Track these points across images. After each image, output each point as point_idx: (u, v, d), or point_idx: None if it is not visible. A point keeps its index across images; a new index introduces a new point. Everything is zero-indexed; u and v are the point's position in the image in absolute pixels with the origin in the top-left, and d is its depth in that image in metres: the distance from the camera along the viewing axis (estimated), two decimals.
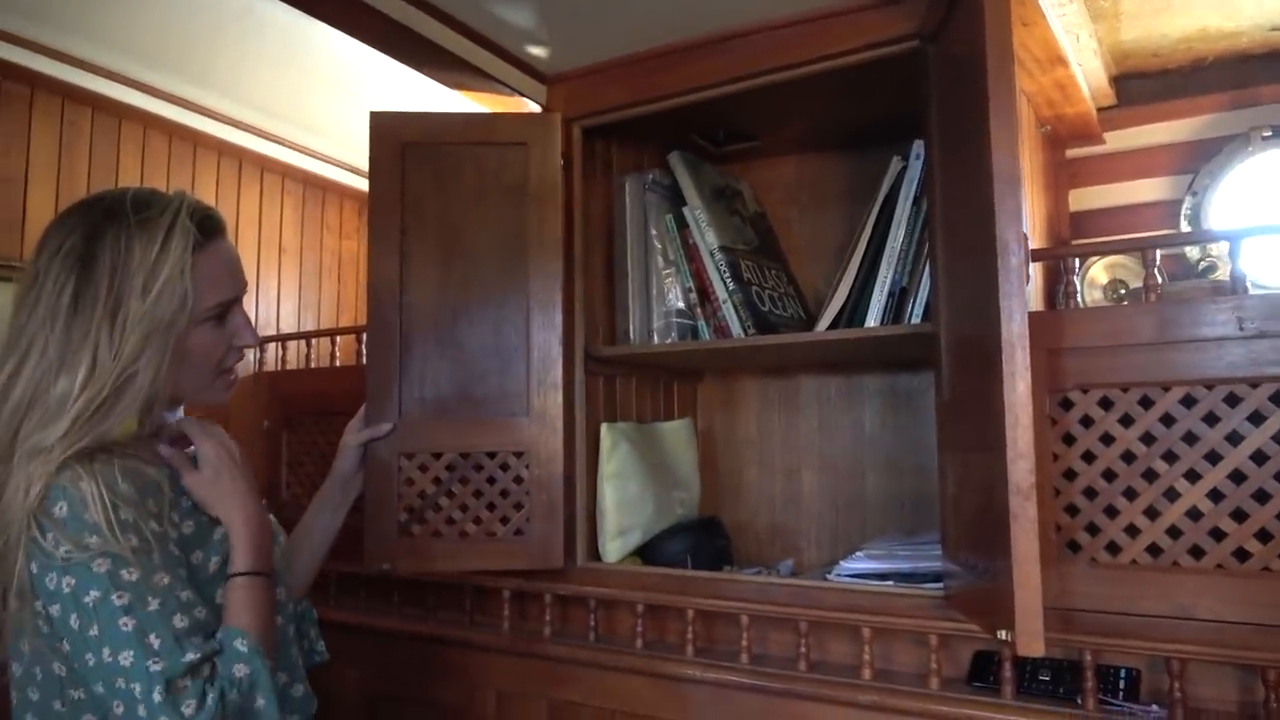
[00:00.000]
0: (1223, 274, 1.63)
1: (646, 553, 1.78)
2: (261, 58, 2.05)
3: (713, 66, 1.58)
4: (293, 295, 2.47)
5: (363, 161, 2.55)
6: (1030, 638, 0.97)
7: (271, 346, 2.35)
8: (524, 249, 1.68)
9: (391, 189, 1.66)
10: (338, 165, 2.55)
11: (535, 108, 1.78)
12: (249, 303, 2.39)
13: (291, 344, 2.23)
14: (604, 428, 1.76)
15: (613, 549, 1.71)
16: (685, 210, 1.79)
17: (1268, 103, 1.67)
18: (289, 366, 2.24)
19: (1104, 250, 1.74)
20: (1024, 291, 1.01)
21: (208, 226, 1.02)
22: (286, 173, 2.44)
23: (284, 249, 2.46)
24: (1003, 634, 1.00)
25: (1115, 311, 1.35)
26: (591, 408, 1.75)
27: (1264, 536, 1.13)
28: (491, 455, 1.63)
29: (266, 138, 2.30)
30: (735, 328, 1.71)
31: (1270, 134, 1.64)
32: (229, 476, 1.03)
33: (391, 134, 1.68)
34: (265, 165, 2.38)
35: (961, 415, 1.22)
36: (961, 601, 1.23)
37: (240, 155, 2.31)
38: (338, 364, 2.15)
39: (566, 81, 1.75)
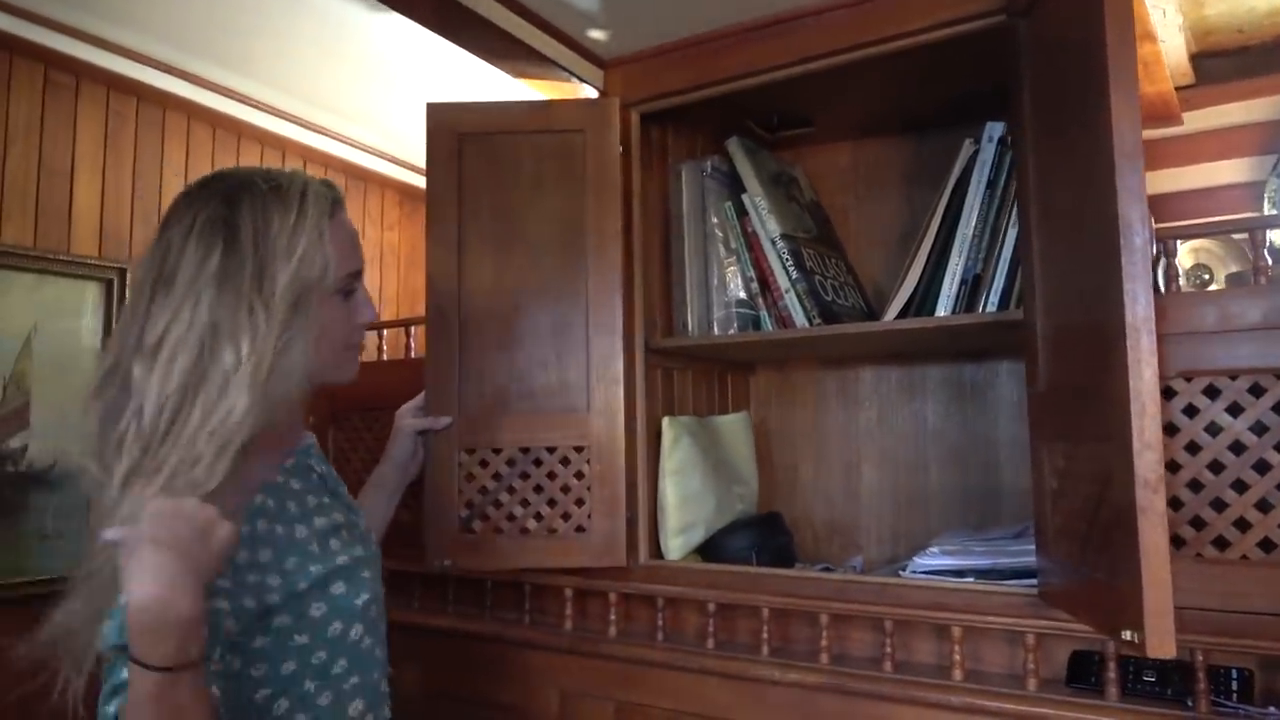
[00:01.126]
0: None
1: (708, 550, 1.74)
2: (302, 46, 2.01)
3: (782, 47, 1.53)
4: None
5: (404, 151, 2.55)
6: (1162, 638, 0.92)
7: None
8: (582, 238, 1.64)
9: (448, 181, 1.63)
10: (379, 155, 2.51)
11: (590, 93, 1.73)
12: None
13: None
14: (665, 421, 1.71)
15: (675, 546, 1.66)
16: (745, 197, 1.74)
17: None
18: None
19: (1213, 231, 1.68)
20: (1149, 273, 0.95)
21: (334, 199, 1.02)
22: (327, 163, 2.41)
23: None
24: (1128, 634, 0.95)
25: (1222, 295, 1.29)
26: (651, 401, 1.70)
27: None
28: (552, 450, 1.59)
29: (308, 127, 2.27)
30: (799, 318, 1.66)
31: None
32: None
33: (448, 126, 1.64)
34: (307, 155, 2.35)
35: (1064, 405, 1.17)
36: (1063, 599, 1.18)
37: (283, 145, 2.28)
38: (384, 358, 2.11)
39: (624, 65, 1.71)
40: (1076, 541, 1.12)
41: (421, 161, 2.53)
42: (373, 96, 2.22)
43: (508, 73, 1.70)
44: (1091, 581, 1.07)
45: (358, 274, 1.04)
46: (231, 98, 2.08)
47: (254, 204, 0.93)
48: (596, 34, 1.63)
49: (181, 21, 1.86)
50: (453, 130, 1.64)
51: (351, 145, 2.42)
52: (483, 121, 1.66)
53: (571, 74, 1.67)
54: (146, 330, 0.88)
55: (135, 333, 0.89)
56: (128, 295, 0.98)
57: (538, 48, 1.61)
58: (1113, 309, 0.97)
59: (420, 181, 1.95)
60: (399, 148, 2.51)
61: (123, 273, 1.94)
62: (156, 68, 1.93)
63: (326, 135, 2.34)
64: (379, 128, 2.38)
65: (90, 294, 1.89)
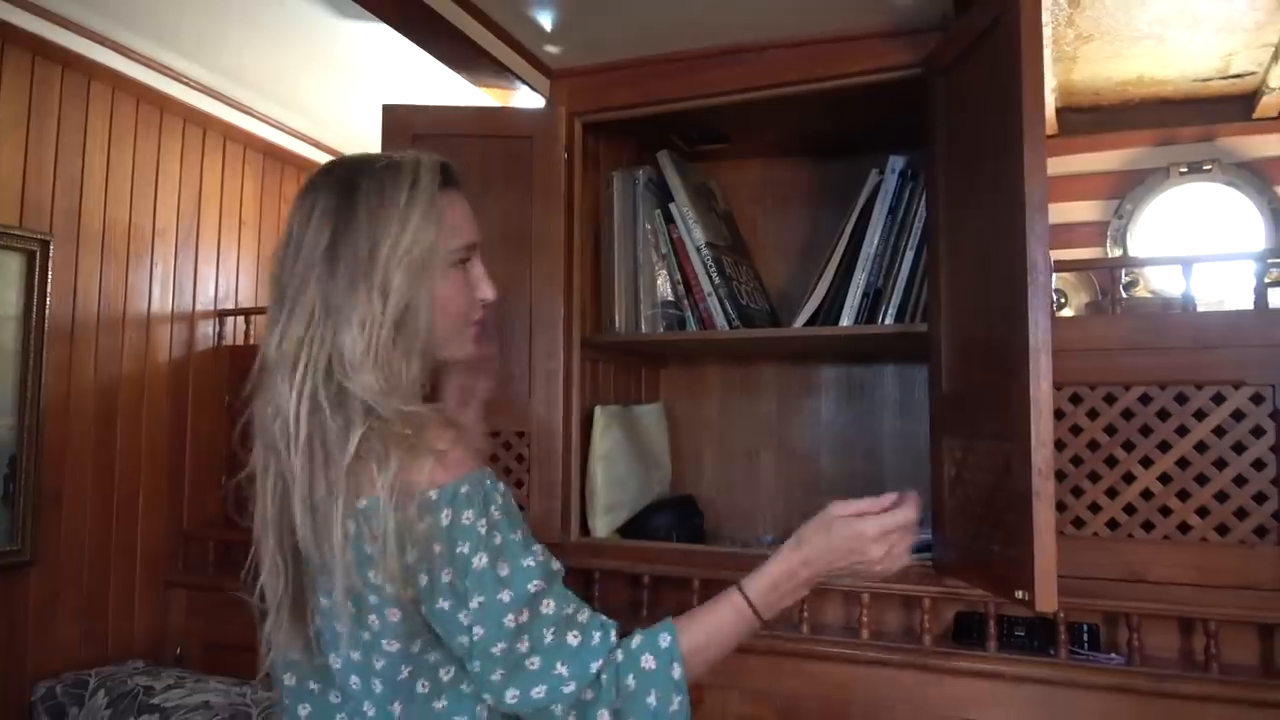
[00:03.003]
0: (1142, 290, 1.88)
1: (630, 529, 1.89)
2: (229, 22, 2.00)
3: (722, 76, 1.69)
4: (251, 269, 2.42)
5: (327, 136, 2.55)
6: (1048, 595, 1.14)
7: (231, 320, 2.31)
8: (527, 239, 1.75)
9: None
10: (301, 138, 2.50)
11: (536, 99, 1.84)
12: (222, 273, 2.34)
13: (256, 318, 2.20)
14: (597, 410, 1.85)
15: (602, 525, 1.81)
16: (673, 207, 1.89)
17: (1185, 142, 1.94)
18: (252, 341, 2.21)
19: (1082, 267, 1.97)
20: (1049, 304, 1.18)
21: (448, 173, 1.02)
22: (248, 143, 2.38)
23: (244, 221, 2.40)
24: (1021, 594, 1.17)
25: (1088, 321, 1.56)
26: (583, 391, 1.83)
27: (1202, 512, 1.37)
28: (495, 435, 1.70)
29: (231, 104, 2.24)
30: (720, 319, 1.83)
31: (1186, 170, 1.91)
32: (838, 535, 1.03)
33: (402, 126, 1.72)
34: (228, 134, 2.32)
35: (966, 407, 1.40)
36: (957, 569, 1.41)
37: (205, 122, 2.25)
38: None
39: (572, 78, 1.82)
40: (973, 521, 1.35)
41: (343, 146, 2.56)
42: (298, 76, 2.22)
43: (459, 73, 1.78)
44: (987, 553, 1.29)
45: (473, 246, 1.05)
46: (158, 70, 2.04)
47: (368, 184, 0.95)
48: (550, 48, 1.74)
49: None
50: (406, 130, 1.72)
51: (272, 125, 2.40)
52: (436, 123, 1.74)
53: (523, 81, 1.77)
54: (278, 332, 0.93)
55: (275, 334, 0.94)
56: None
57: (492, 51, 1.69)
58: (1018, 330, 1.19)
59: None
60: (320, 131, 2.51)
61: (45, 244, 1.88)
62: (84, 35, 1.88)
63: (248, 114, 2.31)
64: (302, 109, 2.38)
65: (13, 264, 1.84)
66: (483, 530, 0.90)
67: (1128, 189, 1.99)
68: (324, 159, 2.55)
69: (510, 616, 0.89)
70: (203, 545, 2.24)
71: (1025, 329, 1.18)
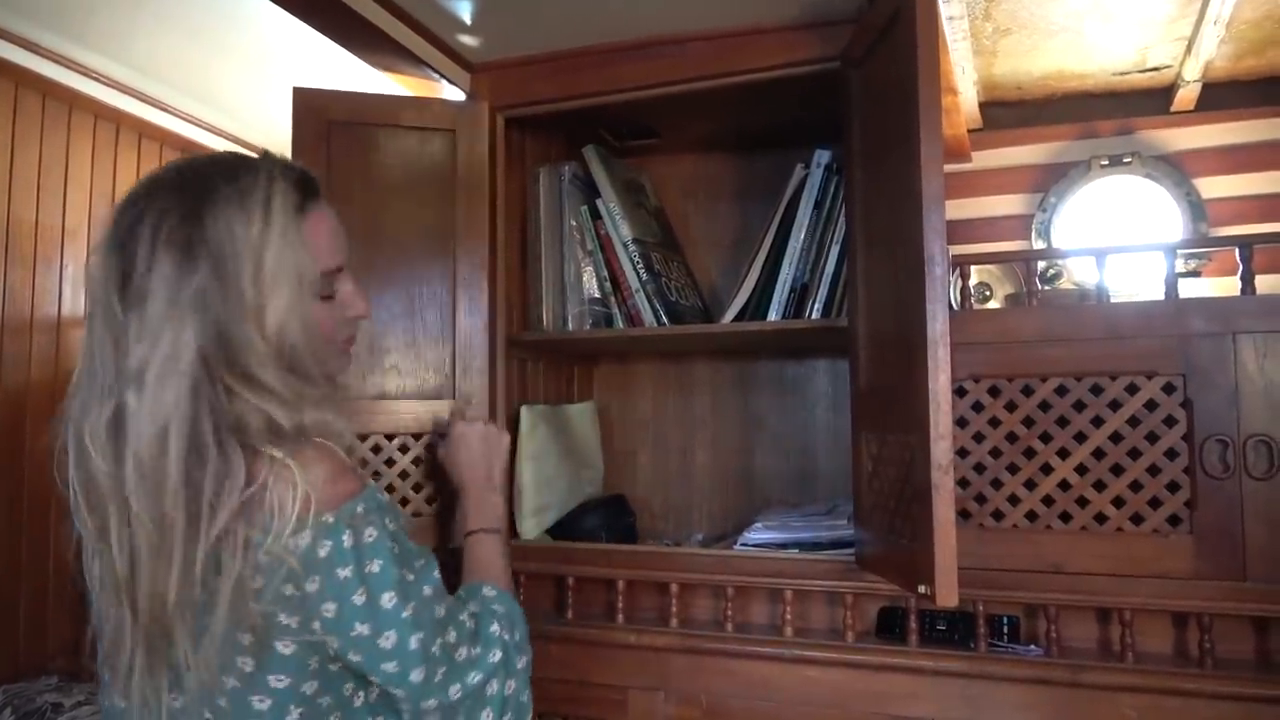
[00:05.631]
0: (1066, 282, 1.90)
1: (560, 529, 1.86)
2: (141, 15, 1.94)
3: (643, 69, 1.67)
4: None
5: (247, 132, 2.49)
6: (949, 590, 1.14)
7: None
8: (450, 236, 1.71)
9: (317, 169, 1.62)
10: (218, 134, 2.43)
11: (455, 94, 1.80)
12: None
13: None
14: (524, 410, 1.82)
15: (530, 526, 1.78)
16: (599, 203, 1.86)
17: (1105, 135, 1.96)
18: None
19: (996, 259, 1.98)
20: (946, 297, 1.17)
21: (306, 189, 0.96)
22: (165, 140, 2.31)
23: None
24: (923, 589, 1.17)
25: (1004, 313, 1.57)
26: (509, 390, 1.80)
27: (1119, 503, 1.37)
28: (418, 436, 1.66)
29: (146, 101, 2.17)
30: (648, 316, 1.81)
31: (1107, 163, 1.92)
32: (465, 448, 1.35)
33: (317, 111, 1.66)
34: (143, 130, 2.24)
35: (879, 400, 1.39)
36: (875, 564, 1.40)
37: (118, 119, 2.17)
38: None
39: (491, 71, 1.79)
40: (886, 515, 1.34)
41: (261, 140, 2.50)
42: (214, 70, 2.16)
43: (374, 66, 1.73)
44: (898, 547, 1.29)
45: (337, 270, 0.99)
46: (66, 65, 1.97)
47: (216, 212, 0.87)
48: (467, 39, 1.70)
49: None
50: (322, 116, 1.66)
51: (189, 121, 2.34)
52: (355, 111, 1.68)
53: (441, 75, 1.73)
54: (127, 356, 0.84)
55: (112, 355, 0.85)
56: (87, 304, 0.87)
57: (408, 45, 1.65)
58: (917, 324, 1.18)
59: None
60: (239, 127, 2.45)
61: None
62: None
63: (164, 110, 2.25)
64: (219, 104, 2.32)
65: None
66: (389, 543, 0.89)
67: (1051, 182, 2.01)
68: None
69: (440, 609, 0.94)
70: None
71: (923, 322, 1.17)
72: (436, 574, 0.97)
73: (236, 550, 0.82)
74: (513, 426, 1.79)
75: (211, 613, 0.82)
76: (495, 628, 1.03)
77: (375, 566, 0.87)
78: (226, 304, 0.86)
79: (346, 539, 0.85)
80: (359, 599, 0.86)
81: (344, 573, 0.85)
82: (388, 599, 0.87)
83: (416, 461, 1.64)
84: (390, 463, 1.63)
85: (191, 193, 0.88)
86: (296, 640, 0.85)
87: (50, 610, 2.09)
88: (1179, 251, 1.48)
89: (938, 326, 1.18)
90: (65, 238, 2.10)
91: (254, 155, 0.96)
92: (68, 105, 2.06)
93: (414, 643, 0.89)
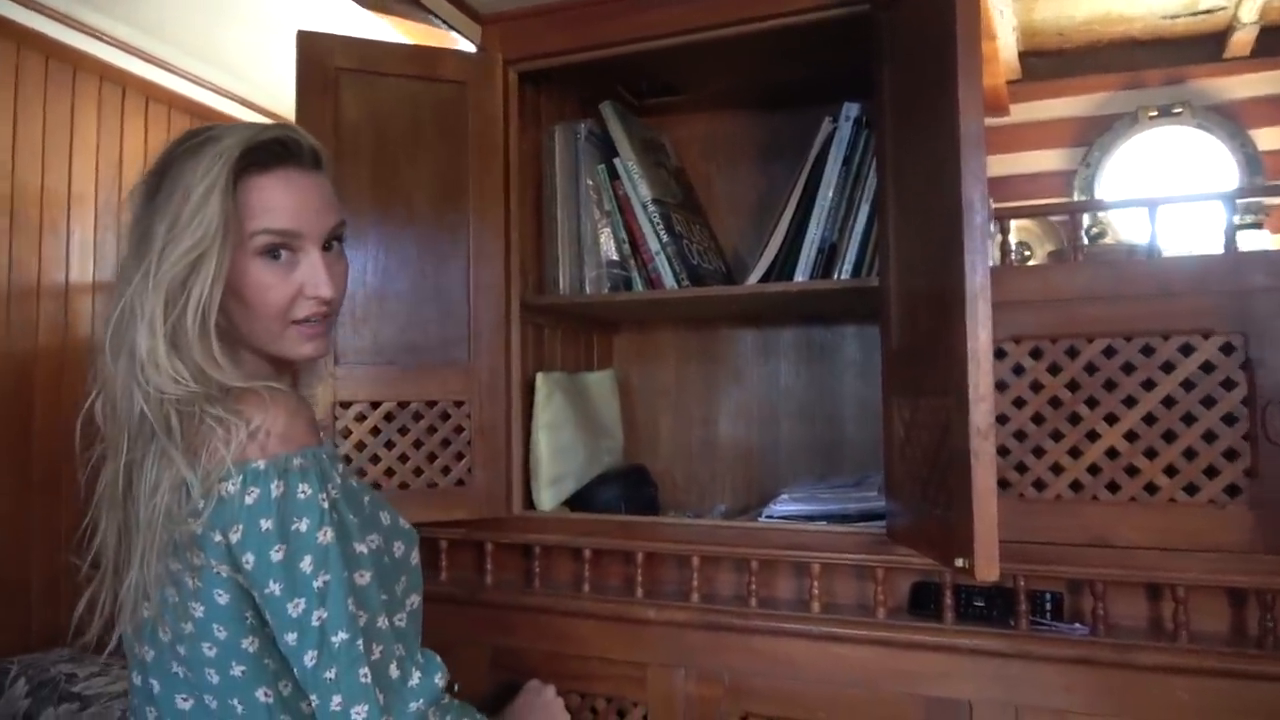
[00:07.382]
0: (1110, 239, 1.79)
1: (578, 501, 1.80)
2: None
3: (663, 16, 1.58)
4: None
5: (254, 94, 2.43)
6: (988, 563, 1.06)
7: None
8: (463, 195, 1.65)
9: (323, 119, 1.57)
10: (227, 95, 2.37)
11: (467, 46, 1.73)
12: None
13: None
14: (539, 377, 1.76)
15: (547, 497, 1.72)
16: (617, 161, 1.79)
17: (1154, 85, 1.84)
18: None
19: (1039, 211, 1.88)
20: (986, 248, 1.08)
21: (273, 149, 0.92)
22: (172, 102, 2.25)
23: None
24: (960, 562, 1.09)
25: (1047, 269, 1.47)
26: (524, 357, 1.74)
27: (1170, 472, 1.28)
28: (432, 404, 1.61)
29: (153, 62, 2.11)
30: (669, 279, 1.73)
31: (1156, 114, 1.81)
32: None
33: (323, 57, 1.58)
34: (150, 93, 2.19)
35: (912, 363, 1.31)
36: (908, 536, 1.32)
37: (124, 80, 2.11)
38: None
39: (503, 22, 1.71)
40: (919, 484, 1.26)
41: (268, 103, 2.44)
42: (221, 31, 2.10)
43: (381, 14, 1.66)
44: (932, 518, 1.21)
45: (282, 234, 0.91)
46: (69, 25, 1.91)
47: (178, 165, 0.89)
48: None
49: None
50: (328, 62, 1.58)
51: (198, 83, 2.28)
52: (363, 58, 1.61)
53: (450, 26, 1.66)
54: (111, 319, 0.90)
55: (110, 320, 0.91)
56: None
57: None
58: (955, 278, 1.10)
59: None
60: (247, 89, 2.38)
61: None
62: None
63: (171, 71, 2.19)
64: (226, 65, 2.26)
65: None
66: (323, 506, 0.83)
67: (1095, 136, 1.89)
68: (253, 117, 2.45)
69: (364, 615, 0.84)
70: None
71: (961, 274, 1.08)
72: (391, 566, 0.93)
73: (162, 486, 0.83)
74: (528, 395, 1.73)
75: (151, 545, 0.84)
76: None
77: (302, 525, 0.82)
78: (152, 254, 0.87)
79: (275, 488, 0.82)
80: (276, 555, 0.81)
81: (266, 524, 0.81)
82: (307, 563, 0.81)
83: (459, 429, 1.61)
84: (432, 430, 1.59)
85: (171, 146, 0.92)
86: (229, 592, 0.84)
87: (62, 578, 2.07)
88: (1238, 202, 1.37)
89: (977, 279, 1.09)
90: (72, 203, 2.05)
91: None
92: (72, 66, 2.01)
93: (315, 619, 0.81)
